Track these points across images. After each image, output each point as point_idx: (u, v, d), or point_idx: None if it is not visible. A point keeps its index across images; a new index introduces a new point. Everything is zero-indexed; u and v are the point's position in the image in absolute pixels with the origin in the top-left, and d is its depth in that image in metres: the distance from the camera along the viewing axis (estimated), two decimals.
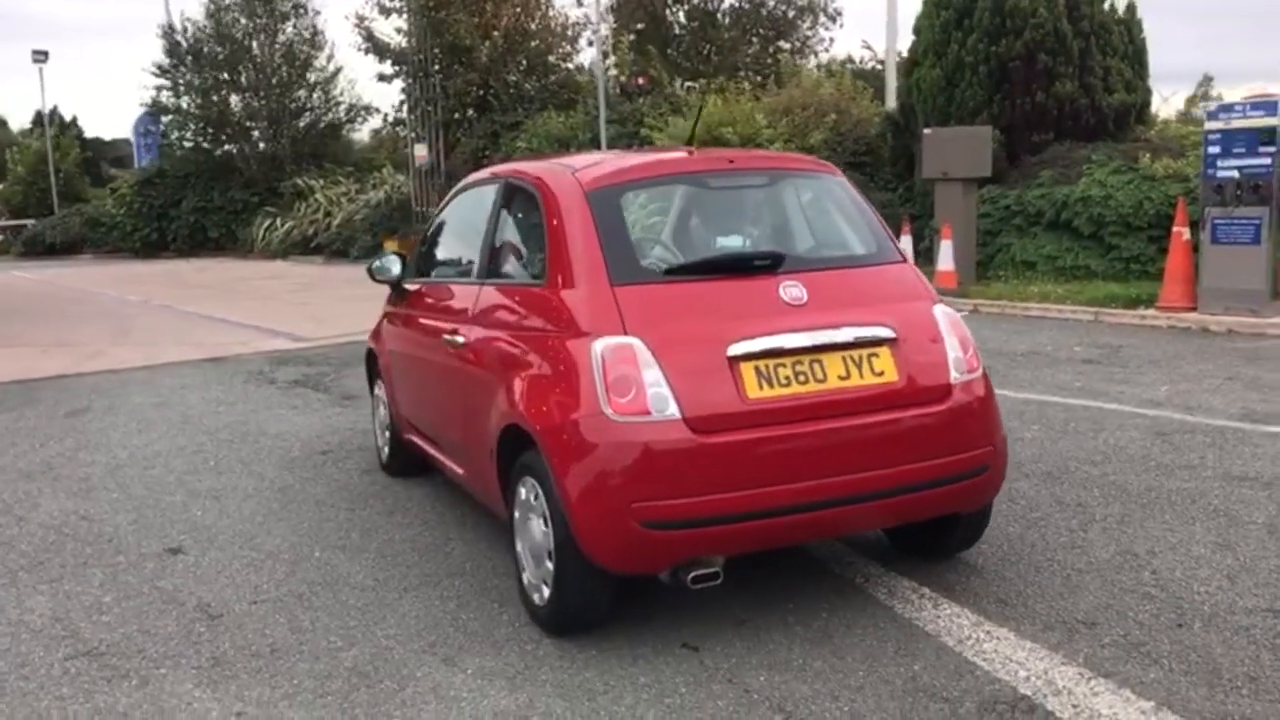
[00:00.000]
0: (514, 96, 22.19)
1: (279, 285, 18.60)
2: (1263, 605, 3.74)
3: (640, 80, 25.33)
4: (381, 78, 24.55)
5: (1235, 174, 9.30)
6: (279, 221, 26.79)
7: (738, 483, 3.40)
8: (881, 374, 3.65)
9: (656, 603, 3.88)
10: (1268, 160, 9.16)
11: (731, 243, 4.00)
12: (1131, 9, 13.97)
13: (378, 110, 26.35)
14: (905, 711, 3.12)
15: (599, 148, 19.08)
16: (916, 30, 15.13)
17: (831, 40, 40.42)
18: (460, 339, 4.36)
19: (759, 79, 21.84)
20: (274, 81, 29.39)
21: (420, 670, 3.51)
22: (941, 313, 3.92)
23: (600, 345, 3.47)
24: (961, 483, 3.78)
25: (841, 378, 3.59)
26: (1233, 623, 3.61)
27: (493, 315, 4.18)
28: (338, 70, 29.76)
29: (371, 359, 6.02)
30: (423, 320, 4.95)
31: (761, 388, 3.48)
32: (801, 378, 3.54)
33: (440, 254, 5.18)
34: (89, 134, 44.03)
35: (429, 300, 4.97)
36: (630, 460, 3.37)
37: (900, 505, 3.69)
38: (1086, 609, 3.77)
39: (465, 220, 4.90)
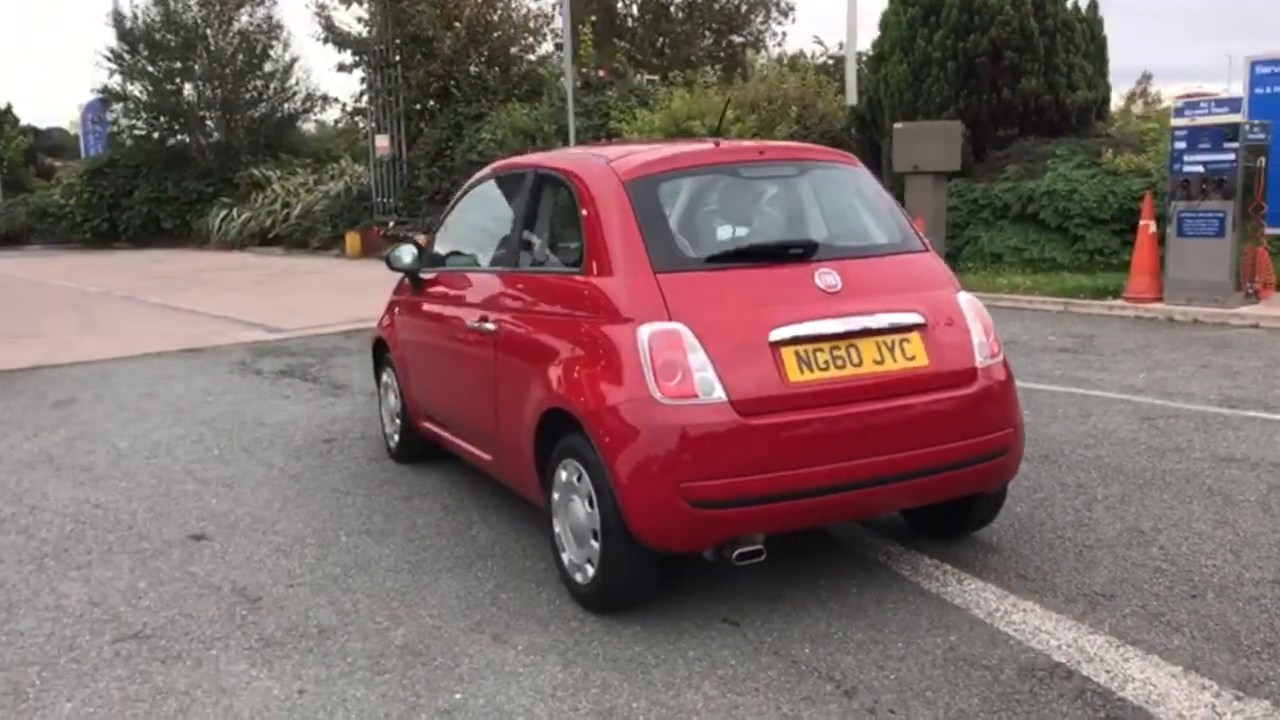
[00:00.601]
0: (477, 88, 22.13)
1: (243, 276, 18.41)
2: (1269, 577, 3.94)
3: (602, 72, 25.40)
4: (341, 67, 24.34)
5: (1201, 169, 9.61)
6: (235, 212, 26.47)
7: (781, 463, 3.53)
8: (913, 358, 3.80)
9: (690, 581, 4.00)
10: (1231, 156, 9.48)
11: (766, 231, 4.12)
12: (1094, 7, 14.32)
13: (336, 100, 26.12)
14: (949, 679, 3.27)
15: (566, 140, 19.12)
16: (882, 26, 15.36)
17: (784, 35, 40.73)
18: (491, 326, 4.44)
19: (720, 72, 21.95)
20: (228, 71, 28.98)
21: (472, 647, 3.60)
22: (965, 299, 4.08)
23: (647, 331, 3.58)
24: (986, 463, 3.94)
25: (876, 362, 3.73)
26: (1243, 593, 3.81)
27: (527, 303, 4.27)
28: (294, 60, 29.44)
29: (380, 348, 6.06)
30: (446, 309, 5.02)
31: (802, 371, 3.61)
32: (839, 362, 3.67)
33: (461, 243, 5.24)
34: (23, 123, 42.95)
35: (452, 289, 5.03)
36: (679, 442, 3.48)
37: (930, 485, 3.84)
38: (1103, 582, 3.95)
39: (489, 210, 4.97)
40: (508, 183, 4.85)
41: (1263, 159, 9.77)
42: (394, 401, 5.89)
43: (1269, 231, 10.11)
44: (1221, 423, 6.11)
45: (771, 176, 4.22)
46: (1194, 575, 3.99)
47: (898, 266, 4.05)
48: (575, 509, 3.84)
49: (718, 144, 4.30)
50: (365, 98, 24.31)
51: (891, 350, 3.77)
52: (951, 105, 13.78)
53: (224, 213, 26.82)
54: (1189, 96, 10.09)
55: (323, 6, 23.49)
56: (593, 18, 28.62)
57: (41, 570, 4.45)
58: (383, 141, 23.11)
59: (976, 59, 13.60)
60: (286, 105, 29.81)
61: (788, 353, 3.61)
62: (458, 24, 22.45)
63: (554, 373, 3.92)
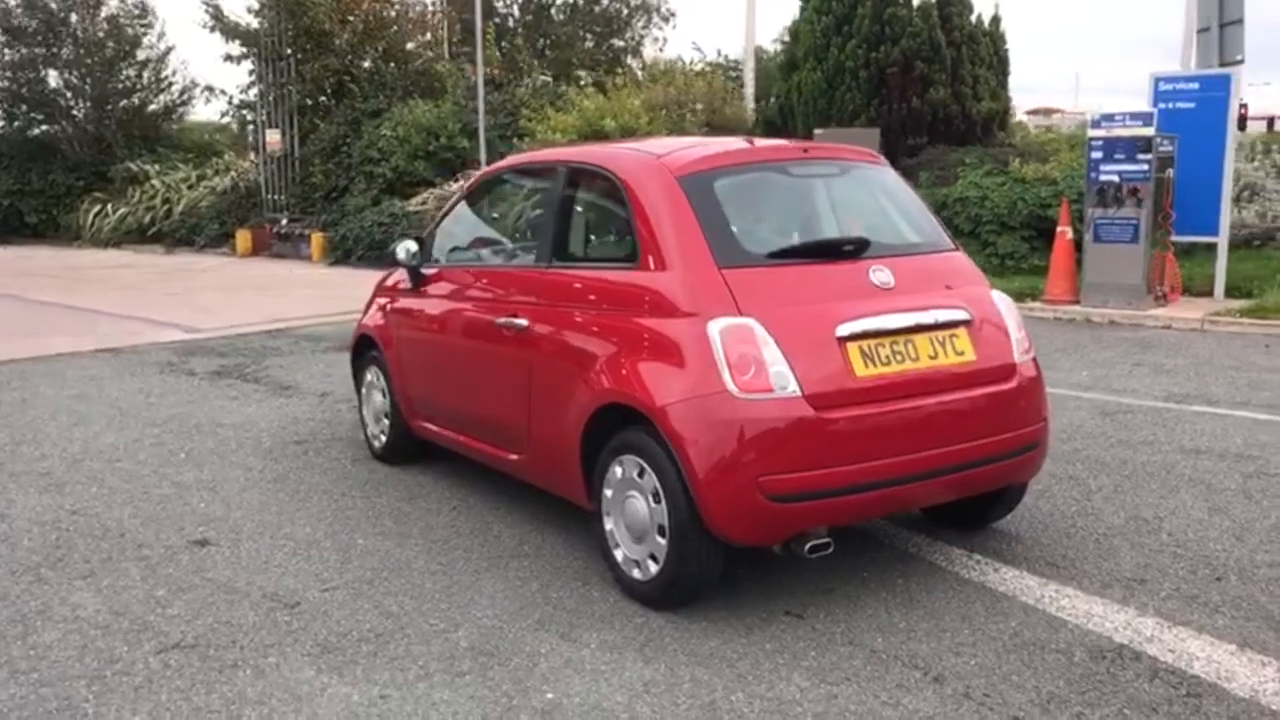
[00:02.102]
0: (375, 84, 21.62)
1: (133, 275, 17.57)
2: (1278, 559, 4.19)
3: (494, 70, 25.15)
4: (229, 58, 23.40)
5: (1116, 178, 10.12)
6: (110, 208, 25.20)
7: (852, 456, 3.60)
8: (962, 354, 3.91)
9: (739, 576, 4.02)
10: (1145, 166, 10.01)
11: (818, 228, 4.18)
12: (996, 21, 14.91)
13: (223, 92, 25.10)
14: (1026, 663, 3.38)
15: (470, 137, 18.89)
16: (794, 35, 15.70)
17: (665, 40, 41.13)
18: (523, 322, 4.37)
19: (616, 73, 22.02)
20: (97, 59, 27.58)
21: (543, 647, 3.55)
22: (999, 296, 4.22)
23: (718, 325, 3.59)
24: (1023, 456, 4.10)
25: (931, 357, 3.83)
26: (1261, 575, 4.05)
27: (568, 299, 4.21)
28: (169, 49, 28.22)
29: (364, 347, 5.88)
30: (460, 306, 4.91)
31: (867, 366, 3.68)
32: (899, 357, 3.76)
33: (474, 239, 5.14)
34: None
35: (468, 286, 4.92)
36: (756, 435, 3.51)
37: (977, 476, 3.96)
38: (1130, 568, 4.14)
39: (508, 206, 4.89)
40: (531, 178, 4.79)
41: (1170, 170, 10.33)
42: (380, 401, 5.74)
43: (1176, 239, 10.70)
44: (1175, 417, 6.46)
45: (816, 175, 4.28)
46: (1210, 559, 4.21)
47: (938, 264, 4.17)
48: (634, 505, 3.82)
49: (751, 141, 4.34)
50: (254, 90, 23.46)
51: (943, 345, 3.87)
52: (864, 113, 14.17)
53: (97, 208, 25.49)
54: (1034, 111, 10.60)
55: None
56: (465, 16, 28.20)
57: (41, 581, 4.19)
58: (274, 136, 22.34)
59: (888, 69, 14.02)
60: (163, 96, 28.57)
61: (853, 348, 3.68)
62: (352, 18, 21.89)
63: (608, 368, 3.89)
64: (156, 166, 25.57)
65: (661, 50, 37.55)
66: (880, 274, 3.88)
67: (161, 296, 14.37)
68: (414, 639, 3.62)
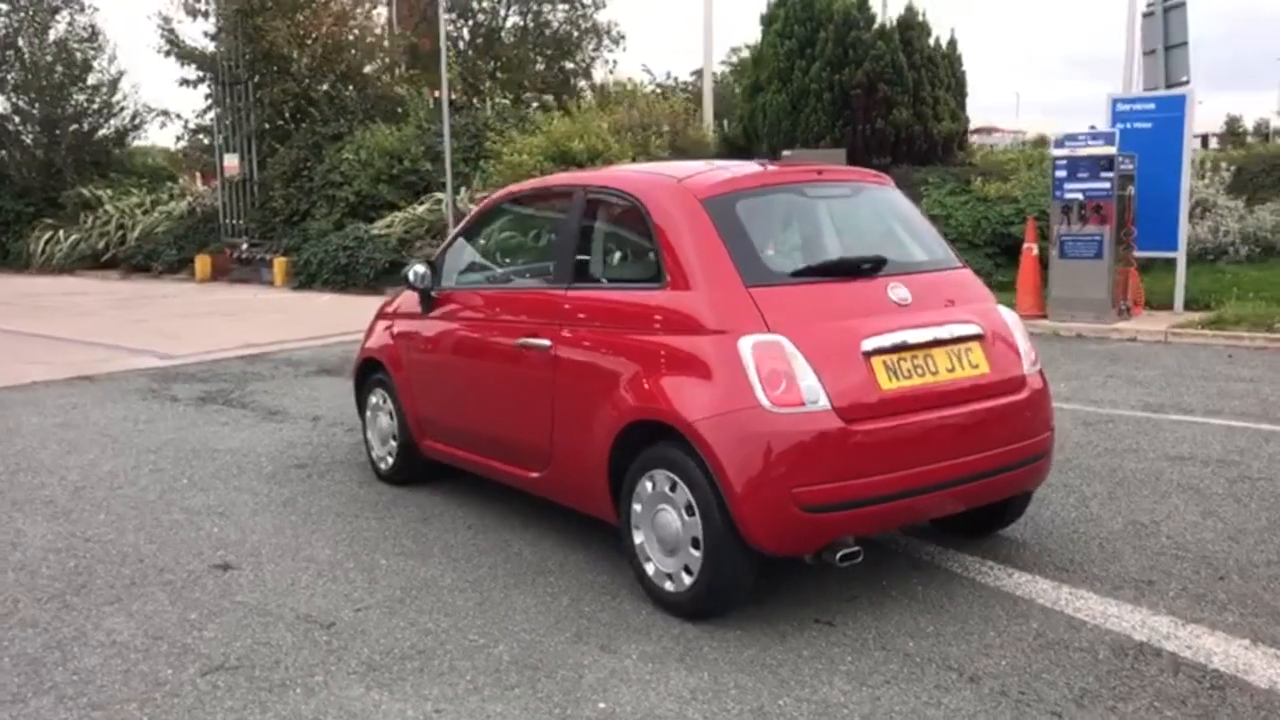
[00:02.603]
0: (335, 108, 21.59)
1: (93, 302, 17.36)
2: (1274, 559, 4.39)
3: (452, 94, 25.21)
4: (185, 82, 23.25)
5: (1080, 196, 10.44)
6: (62, 234, 24.85)
7: (879, 467, 3.73)
8: (977, 366, 4.07)
9: (762, 586, 4.12)
10: (1108, 184, 10.35)
11: (836, 247, 4.31)
12: (953, 44, 15.29)
13: (178, 116, 24.88)
14: (1055, 661, 3.52)
15: (434, 160, 18.92)
16: (756, 59, 15.97)
17: (615, 62, 41.42)
18: (544, 342, 4.46)
19: (578, 94, 22.22)
20: (46, 83, 27.23)
21: (585, 659, 3.63)
22: (1005, 311, 4.40)
23: (749, 342, 3.71)
24: (1033, 464, 4.26)
25: (949, 370, 3.99)
26: (1261, 574, 4.24)
27: (592, 319, 4.31)
28: (121, 74, 27.93)
29: (370, 370, 5.93)
30: (476, 327, 4.98)
31: (890, 380, 3.82)
32: (919, 371, 3.90)
33: (486, 262, 5.22)
34: None
35: (483, 307, 4.99)
36: (790, 448, 3.63)
37: (992, 485, 4.11)
38: (1136, 570, 4.31)
39: (521, 228, 4.99)
40: (545, 201, 4.88)
41: (1131, 187, 10.68)
42: (386, 423, 5.78)
43: (1138, 254, 11.04)
44: (1154, 426, 6.69)
45: (831, 196, 4.43)
46: (1210, 560, 4.40)
47: (949, 281, 4.33)
48: (666, 519, 3.92)
49: (764, 165, 4.48)
50: (211, 114, 23.31)
51: (959, 359, 4.03)
52: (829, 134, 14.45)
53: (49, 234, 25.13)
54: (976, 130, 10.94)
55: (167, 19, 22.44)
56: (413, 38, 28.23)
57: (69, 608, 4.19)
58: (232, 161, 22.24)
59: (852, 91, 14.32)
60: (114, 121, 28.25)
61: (877, 362, 3.82)
62: (309, 42, 21.85)
63: (636, 386, 4.00)
64: (109, 192, 25.25)
65: (612, 73, 37.85)
66: (898, 290, 4.03)
67: (126, 323, 14.23)
68: (456, 655, 3.69)
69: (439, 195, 18.02)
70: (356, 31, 22.64)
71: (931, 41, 15.04)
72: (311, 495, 5.68)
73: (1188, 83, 12.19)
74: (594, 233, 4.52)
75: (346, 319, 13.91)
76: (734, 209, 4.05)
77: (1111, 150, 10.34)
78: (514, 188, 5.25)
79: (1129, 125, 11.23)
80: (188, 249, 22.37)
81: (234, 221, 22.37)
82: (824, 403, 3.67)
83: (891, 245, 4.35)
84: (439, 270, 5.34)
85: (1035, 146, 19.72)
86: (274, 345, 11.59)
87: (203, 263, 21.26)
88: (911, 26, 14.59)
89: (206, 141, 24.11)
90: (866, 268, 4.08)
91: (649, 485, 3.99)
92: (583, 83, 34.41)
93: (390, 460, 5.79)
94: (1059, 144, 10.77)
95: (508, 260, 5.22)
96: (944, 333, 4.02)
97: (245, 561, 4.68)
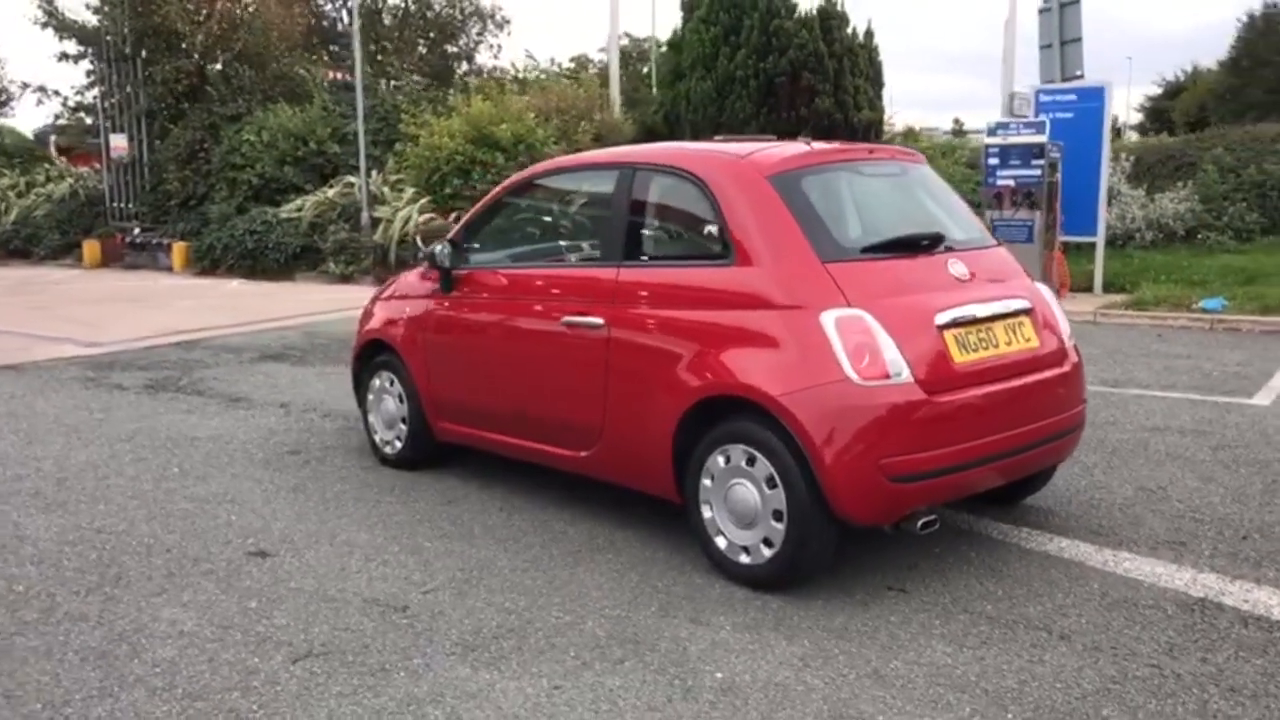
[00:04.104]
0: (232, 87, 20.79)
1: None
2: None
3: (342, 75, 24.60)
4: (64, 57, 22.02)
5: (1012, 182, 10.85)
6: None
7: (956, 437, 3.85)
8: (1029, 340, 4.23)
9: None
10: (1039, 172, 10.78)
11: (896, 224, 4.39)
12: (869, 35, 15.66)
13: (56, 93, 23.55)
14: (1131, 618, 3.69)
15: (341, 142, 18.46)
16: (676, 44, 16.05)
17: (500, 47, 41.04)
18: (596, 320, 4.43)
19: (451, 82, 21.91)
20: None
21: (680, 631, 3.64)
22: (1042, 287, 4.57)
23: (831, 316, 3.77)
24: (1074, 433, 4.45)
25: (1007, 344, 4.13)
26: (1279, 533, 4.51)
27: (652, 297, 4.29)
28: None
29: (373, 353, 5.78)
30: (510, 307, 4.90)
31: (962, 352, 3.94)
32: (984, 344, 4.04)
33: (518, 242, 5.15)
34: None
35: (518, 287, 4.91)
36: (877, 420, 3.71)
37: (1041, 454, 4.29)
38: (1165, 532, 4.54)
39: (559, 207, 4.92)
40: (586, 179, 4.85)
41: (1058, 174, 11.15)
42: (393, 407, 5.66)
43: (1064, 239, 11.54)
44: (1120, 400, 7.03)
45: (883, 174, 4.53)
46: (1227, 521, 4.66)
47: (994, 258, 4.48)
48: (741, 493, 3.96)
49: (809, 143, 4.54)
50: (94, 92, 22.19)
51: (1014, 332, 4.18)
52: (754, 121, 14.64)
53: None
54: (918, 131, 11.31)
55: None
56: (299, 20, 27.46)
57: (115, 600, 3.99)
58: (119, 141, 21.23)
59: (777, 79, 14.53)
60: None
61: (949, 335, 3.93)
62: (201, 18, 20.96)
63: (707, 363, 4.02)
64: None
65: (496, 57, 37.46)
66: (957, 266, 4.15)
67: (28, 310, 13.49)
68: (548, 632, 3.66)
69: (350, 178, 17.58)
70: (253, 8, 21.78)
71: (850, 31, 15.36)
72: (319, 481, 5.52)
73: (1081, 76, 12.80)
74: (646, 210, 4.50)
75: (269, 305, 13.53)
76: (800, 185, 4.10)
77: (1042, 139, 10.78)
78: (544, 165, 5.19)
79: (1052, 115, 11.70)
80: (71, 233, 21.30)
81: (123, 205, 21.39)
82: (907, 375, 3.76)
83: (942, 222, 4.46)
84: (460, 250, 5.23)
85: (905, 139, 20.34)
86: (202, 332, 11.16)
87: (91, 248, 20.26)
88: (832, 16, 14.89)
89: (90, 121, 22.90)
90: (926, 244, 4.19)
91: (721, 460, 4.02)
92: (464, 66, 34.06)
93: (398, 444, 5.67)
94: (992, 132, 11.17)
95: (540, 238, 5.15)
96: (1001, 307, 4.16)
97: (280, 548, 4.53)
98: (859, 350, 3.74)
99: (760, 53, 14.56)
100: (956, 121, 22.46)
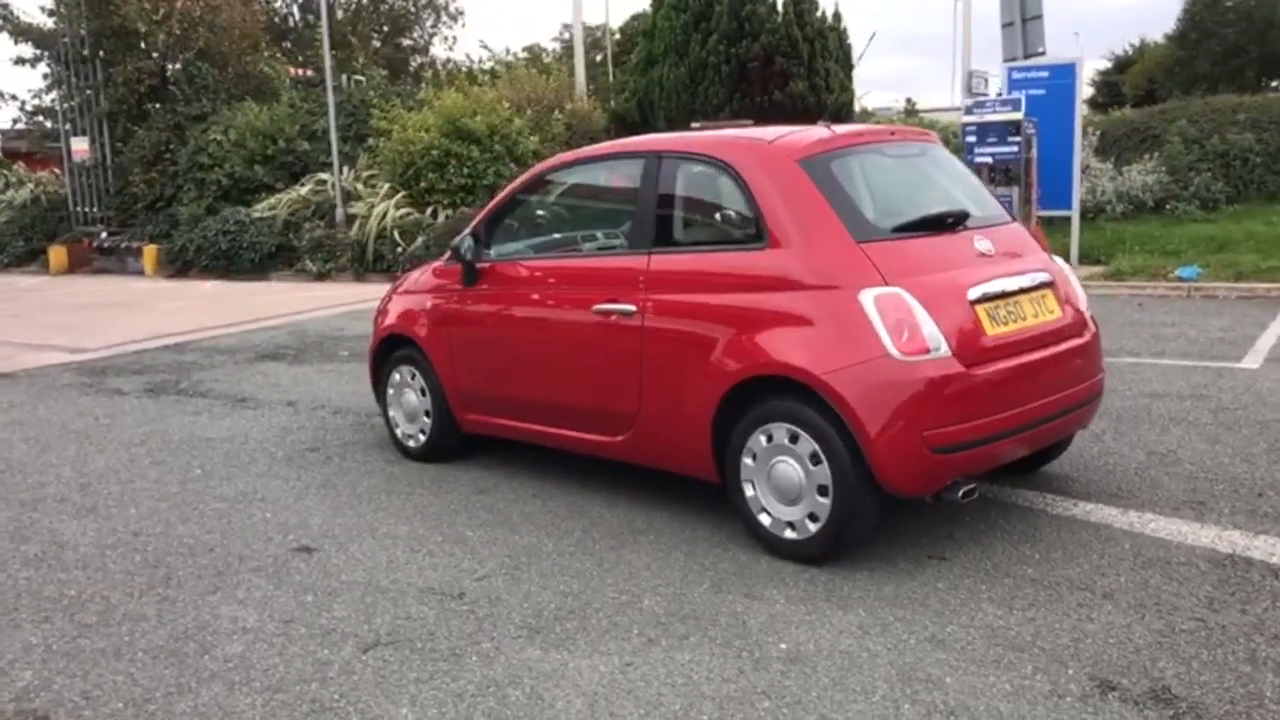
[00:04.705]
0: (196, 87, 20.55)
1: None
2: None
3: (309, 72, 24.42)
4: (20, 61, 21.66)
5: (990, 159, 11.03)
6: None
7: (994, 408, 3.97)
8: (1052, 312, 4.36)
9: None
10: (1015, 148, 10.97)
11: (921, 203, 4.50)
12: (838, 17, 15.80)
13: (14, 98, 23.14)
14: (1168, 575, 3.84)
15: (311, 139, 18.35)
16: (647, 32, 16.09)
17: (455, 39, 40.80)
18: (629, 307, 4.51)
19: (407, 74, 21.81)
20: None
21: (737, 606, 3.74)
22: (1060, 260, 4.70)
23: (870, 295, 3.88)
24: (1094, 402, 4.60)
25: (1034, 316, 4.26)
26: None
27: (685, 282, 4.37)
28: None
29: (392, 347, 5.82)
30: (538, 297, 4.97)
31: (994, 325, 4.07)
32: (1013, 317, 4.16)
33: (542, 232, 5.20)
34: None
35: (545, 277, 4.97)
36: (920, 394, 3.83)
37: (1066, 422, 4.43)
38: (1183, 493, 4.71)
39: (584, 197, 4.99)
40: (611, 169, 4.91)
41: (1034, 150, 11.34)
42: (415, 400, 5.71)
43: (1040, 213, 11.74)
44: (1115, 369, 7.18)
45: (905, 155, 4.64)
46: (1239, 481, 4.84)
47: (1013, 234, 4.61)
48: (784, 470, 4.06)
49: (829, 127, 4.64)
50: (53, 95, 21.85)
51: (1039, 305, 4.31)
52: (727, 106, 14.73)
53: None
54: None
55: None
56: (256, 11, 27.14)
57: (169, 600, 4.03)
58: (81, 145, 20.93)
59: (749, 64, 14.63)
60: None
61: (981, 310, 4.05)
62: (160, 18, 20.66)
63: (746, 344, 4.11)
64: None
65: (451, 49, 37.34)
66: (982, 243, 4.27)
67: (4, 318, 13.31)
68: (609, 611, 3.74)
69: (322, 176, 17.48)
70: (212, 7, 21.49)
71: (818, 15, 15.48)
72: (346, 476, 5.56)
73: (1043, 53, 13.05)
74: (675, 197, 4.58)
75: (251, 306, 13.46)
76: (829, 168, 4.20)
77: (1018, 116, 10.96)
78: (566, 156, 5.24)
79: (1025, 92, 11.89)
80: (35, 240, 20.99)
81: (87, 209, 21.11)
82: (945, 349, 3.88)
83: (963, 200, 4.58)
84: (482, 241, 5.29)
85: (861, 119, 20.50)
86: (190, 335, 11.10)
87: (58, 254, 19.98)
88: (802, 0, 14.98)
89: (50, 125, 22.55)
90: (951, 222, 4.31)
91: (763, 439, 4.12)
92: (419, 59, 33.85)
93: (422, 437, 5.71)
94: (969, 111, 11.34)
95: (565, 228, 5.22)
96: (1027, 280, 4.29)
97: (324, 543, 4.57)
98: (899, 326, 3.85)
99: (731, 38, 14.64)
100: (909, 101, 22.56)
